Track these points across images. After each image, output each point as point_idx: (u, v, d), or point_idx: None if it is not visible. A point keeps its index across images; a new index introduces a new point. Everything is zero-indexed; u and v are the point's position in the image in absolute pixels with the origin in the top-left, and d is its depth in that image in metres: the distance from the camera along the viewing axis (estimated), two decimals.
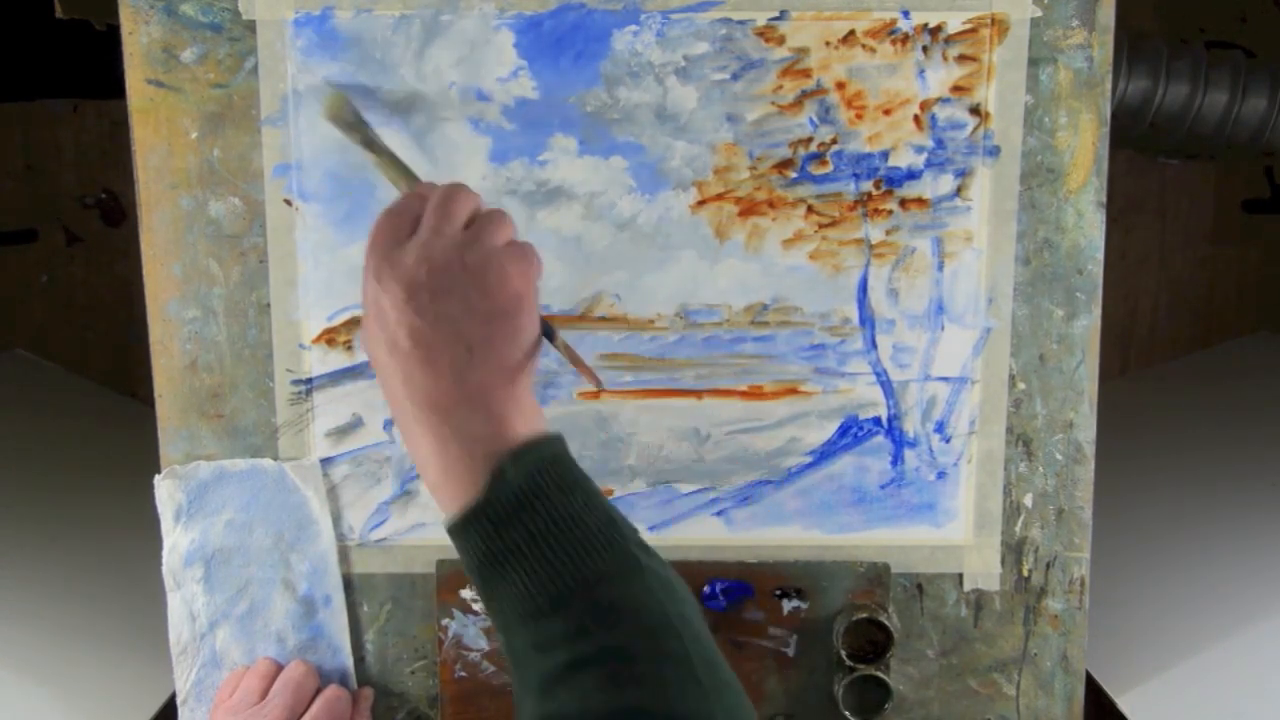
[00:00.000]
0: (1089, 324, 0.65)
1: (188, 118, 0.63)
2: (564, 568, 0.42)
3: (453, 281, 0.45)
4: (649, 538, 0.67)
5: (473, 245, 0.47)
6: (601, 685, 0.40)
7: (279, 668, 0.64)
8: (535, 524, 0.43)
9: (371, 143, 0.57)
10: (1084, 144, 0.64)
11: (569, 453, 0.46)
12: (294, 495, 0.65)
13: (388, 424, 0.66)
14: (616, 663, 0.41)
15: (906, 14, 0.62)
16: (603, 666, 0.41)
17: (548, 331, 0.51)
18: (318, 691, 0.64)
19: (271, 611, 0.66)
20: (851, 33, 0.62)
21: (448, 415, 0.44)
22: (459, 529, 0.44)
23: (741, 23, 0.62)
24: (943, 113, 0.63)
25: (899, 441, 0.66)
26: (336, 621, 0.66)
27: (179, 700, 0.67)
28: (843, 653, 0.65)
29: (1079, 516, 0.67)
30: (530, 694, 0.42)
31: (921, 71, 0.63)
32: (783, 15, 0.62)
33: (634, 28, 0.62)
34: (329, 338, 0.65)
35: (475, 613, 0.67)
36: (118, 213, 1.61)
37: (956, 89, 0.63)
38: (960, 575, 0.67)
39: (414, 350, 0.45)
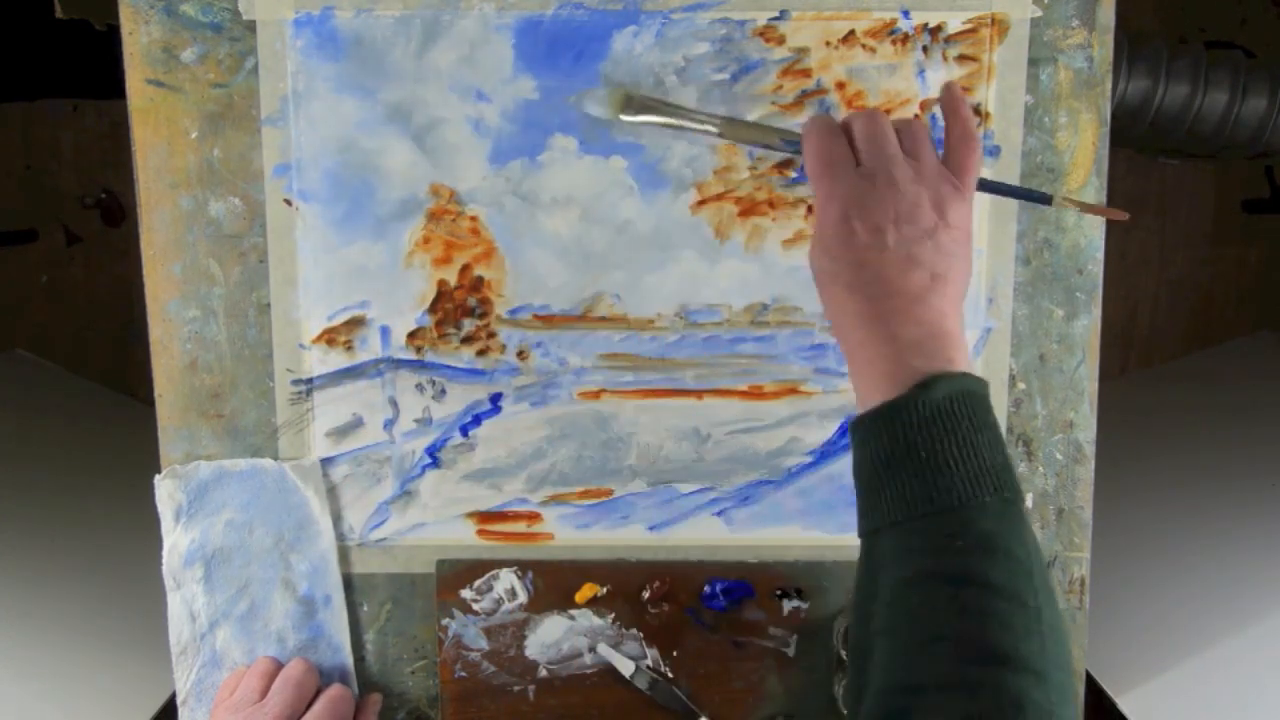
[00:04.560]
0: (1089, 324, 0.65)
1: (188, 118, 0.63)
2: (956, 486, 0.43)
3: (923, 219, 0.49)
4: (649, 537, 0.67)
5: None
6: (953, 604, 0.41)
7: (279, 666, 0.64)
8: (942, 441, 0.44)
9: (685, 113, 0.58)
10: (1084, 144, 0.64)
11: (989, 397, 0.48)
12: (294, 495, 0.65)
13: (388, 424, 0.66)
14: (974, 589, 0.41)
15: (906, 14, 0.62)
16: (960, 588, 0.41)
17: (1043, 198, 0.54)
18: (319, 691, 0.64)
19: (271, 611, 0.66)
20: (851, 33, 0.62)
21: (896, 318, 0.47)
22: (870, 421, 0.46)
23: (741, 23, 0.62)
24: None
25: None
26: (336, 621, 0.66)
27: (179, 700, 0.67)
28: (843, 653, 0.65)
29: (1079, 516, 0.67)
30: (879, 598, 0.43)
31: (921, 71, 0.63)
32: (783, 15, 0.62)
33: (634, 28, 0.62)
34: (329, 338, 0.65)
35: (475, 613, 0.67)
36: (118, 213, 1.61)
37: None
38: None
39: (883, 265, 0.48)
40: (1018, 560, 0.42)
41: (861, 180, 0.49)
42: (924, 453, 0.44)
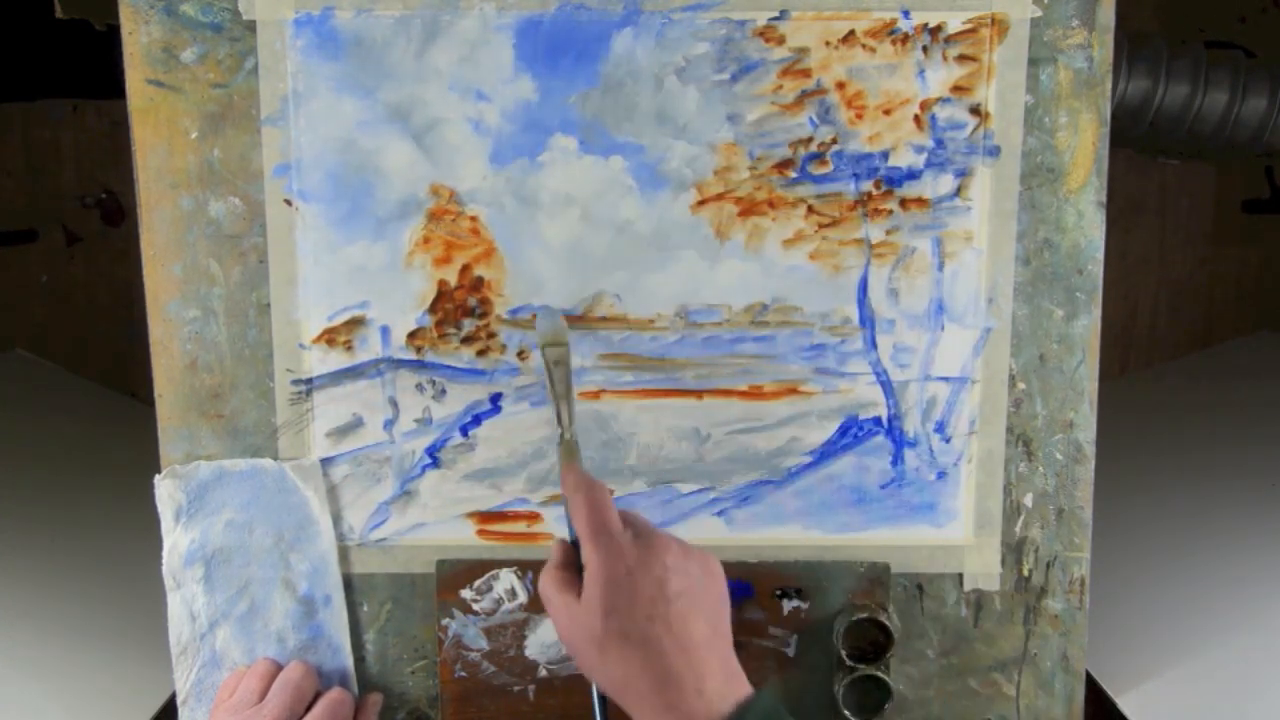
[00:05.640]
0: (1089, 324, 0.65)
1: (188, 118, 0.63)
2: None
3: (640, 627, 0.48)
4: None
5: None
6: None
7: (279, 668, 0.64)
8: None
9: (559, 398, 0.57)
10: (1084, 144, 0.64)
11: (781, 705, 0.47)
12: (294, 495, 0.65)
13: (388, 424, 0.66)
14: None
15: (906, 14, 0.62)
16: None
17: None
18: (319, 694, 0.64)
19: (271, 611, 0.66)
20: (851, 33, 0.62)
21: (668, 682, 0.46)
22: None
23: (741, 23, 0.62)
24: (943, 113, 0.63)
25: (899, 441, 0.66)
26: (336, 621, 0.66)
27: (179, 700, 0.67)
28: (843, 653, 0.65)
29: (1079, 516, 0.67)
30: None
31: (921, 71, 0.63)
32: (783, 15, 0.62)
33: (633, 28, 0.62)
34: (329, 338, 0.65)
35: (475, 613, 0.67)
36: (118, 213, 1.61)
37: (956, 89, 0.63)
38: (960, 575, 0.67)
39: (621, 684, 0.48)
40: None
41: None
42: None
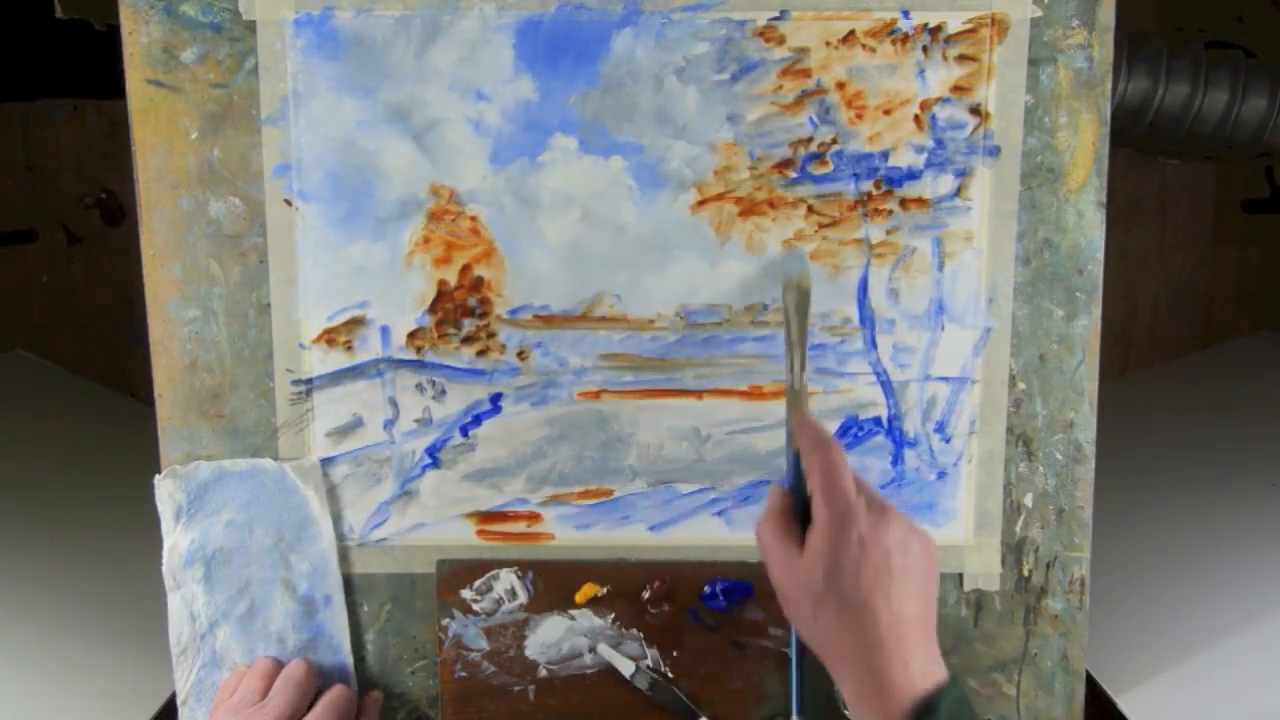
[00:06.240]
0: (1089, 324, 0.65)
1: (188, 118, 0.63)
2: None
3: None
4: (649, 538, 0.67)
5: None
6: None
7: (280, 667, 0.64)
8: None
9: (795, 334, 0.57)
10: (1084, 144, 0.64)
11: (967, 695, 0.49)
12: (294, 495, 0.65)
13: (388, 424, 0.66)
14: None
15: (906, 14, 0.62)
16: None
17: None
18: (320, 692, 0.64)
19: (271, 611, 0.66)
20: (851, 33, 0.62)
21: (880, 652, 0.48)
22: None
23: (741, 23, 0.62)
24: (943, 113, 0.63)
25: (899, 441, 0.66)
26: (336, 621, 0.66)
27: (179, 700, 0.67)
28: None
29: (1079, 516, 0.67)
30: None
31: (921, 71, 0.63)
32: (783, 15, 0.62)
33: (633, 28, 0.62)
34: (329, 338, 0.65)
35: (475, 613, 0.67)
36: (118, 213, 1.61)
37: (956, 89, 0.63)
38: (960, 575, 0.67)
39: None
40: None
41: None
42: None
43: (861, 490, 0.51)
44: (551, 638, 0.67)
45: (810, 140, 0.63)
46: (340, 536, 0.66)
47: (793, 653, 0.57)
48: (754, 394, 0.66)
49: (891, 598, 0.48)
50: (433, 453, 0.66)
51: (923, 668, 0.47)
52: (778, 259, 0.64)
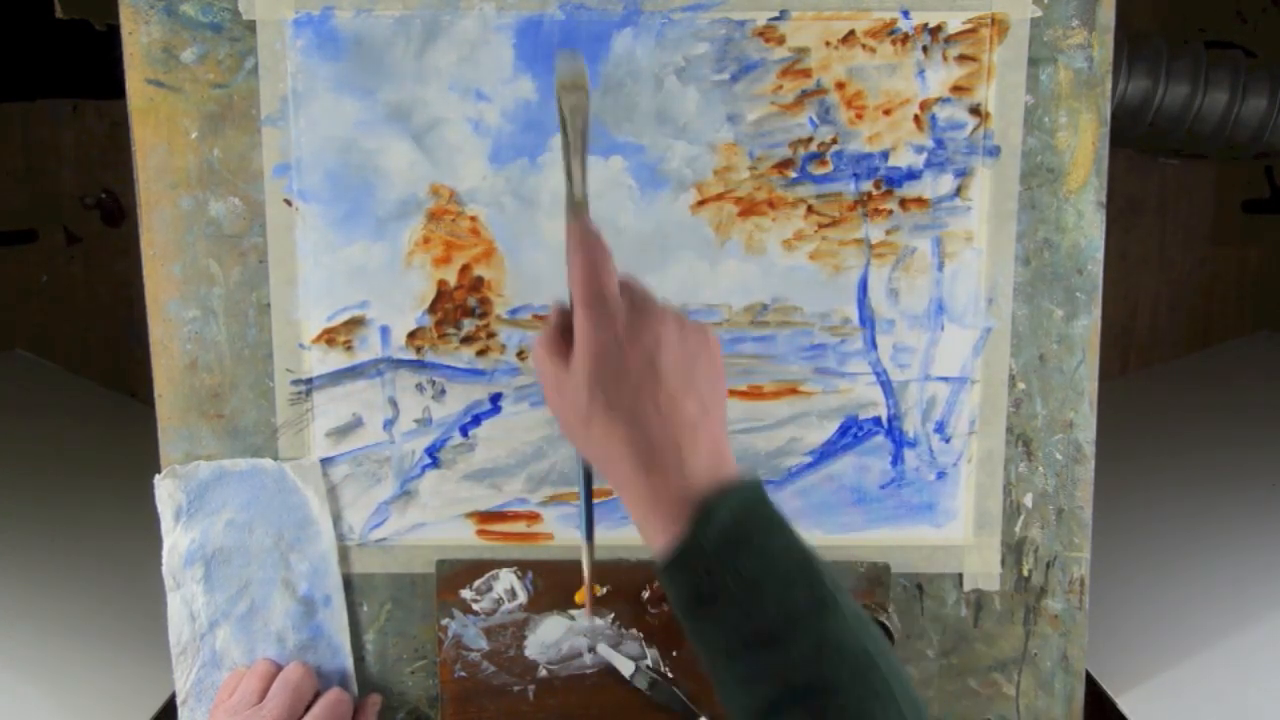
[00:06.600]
0: (1089, 324, 0.65)
1: (188, 118, 0.63)
2: (770, 605, 0.42)
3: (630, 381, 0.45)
4: None
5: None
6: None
7: (278, 668, 0.64)
8: (742, 564, 0.42)
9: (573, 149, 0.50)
10: (1084, 144, 0.64)
11: (767, 493, 0.45)
12: (294, 495, 0.65)
13: (388, 424, 0.66)
14: (824, 697, 0.41)
15: (906, 14, 0.62)
16: (812, 700, 0.41)
17: None
18: (318, 694, 0.64)
19: (271, 611, 0.66)
20: (851, 33, 0.62)
21: (652, 460, 0.44)
22: (668, 569, 0.44)
23: (741, 23, 0.62)
24: (943, 113, 0.63)
25: (899, 441, 0.66)
26: (336, 621, 0.66)
27: (179, 700, 0.67)
28: None
29: (1079, 516, 0.67)
30: None
31: (921, 71, 0.63)
32: (783, 15, 0.62)
33: (633, 28, 0.62)
34: (329, 337, 0.65)
35: (475, 613, 0.67)
36: (118, 213, 1.61)
37: (956, 89, 0.63)
38: (960, 575, 0.67)
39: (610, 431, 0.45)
40: (854, 654, 0.41)
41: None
42: (732, 585, 0.42)
43: (626, 289, 0.46)
44: (551, 638, 0.67)
45: (810, 140, 0.63)
46: (340, 536, 0.66)
47: (581, 479, 0.51)
48: (754, 394, 0.66)
49: (660, 401, 0.43)
50: (432, 453, 0.66)
51: (700, 473, 0.43)
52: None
